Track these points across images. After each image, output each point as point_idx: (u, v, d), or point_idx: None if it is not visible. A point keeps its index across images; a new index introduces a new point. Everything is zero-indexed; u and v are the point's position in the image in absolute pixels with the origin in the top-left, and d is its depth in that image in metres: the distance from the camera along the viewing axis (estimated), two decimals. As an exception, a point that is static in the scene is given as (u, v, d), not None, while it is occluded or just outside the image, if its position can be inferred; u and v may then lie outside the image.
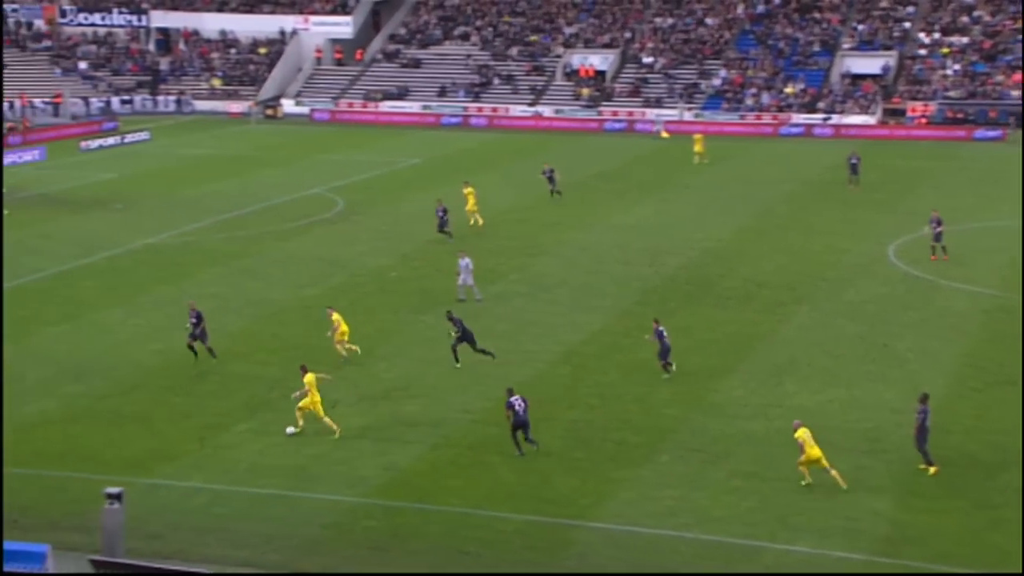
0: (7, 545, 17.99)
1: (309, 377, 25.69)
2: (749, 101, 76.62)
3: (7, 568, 17.16)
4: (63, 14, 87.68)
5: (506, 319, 34.42)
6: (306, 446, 25.27)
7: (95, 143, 66.92)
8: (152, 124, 74.34)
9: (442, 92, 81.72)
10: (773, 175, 58.13)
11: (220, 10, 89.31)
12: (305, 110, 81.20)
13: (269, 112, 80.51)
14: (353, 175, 58.38)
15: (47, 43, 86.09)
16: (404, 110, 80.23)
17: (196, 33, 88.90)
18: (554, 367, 30.52)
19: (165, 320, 33.94)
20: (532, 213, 49.48)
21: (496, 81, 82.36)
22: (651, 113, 76.55)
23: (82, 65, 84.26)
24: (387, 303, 35.95)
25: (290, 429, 25.84)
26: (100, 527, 20.07)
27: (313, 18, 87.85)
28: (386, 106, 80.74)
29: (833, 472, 23.08)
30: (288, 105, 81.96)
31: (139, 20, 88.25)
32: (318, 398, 25.60)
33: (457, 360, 29.88)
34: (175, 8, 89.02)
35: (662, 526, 22.00)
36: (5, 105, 77.06)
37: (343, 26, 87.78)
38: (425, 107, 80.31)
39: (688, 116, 75.82)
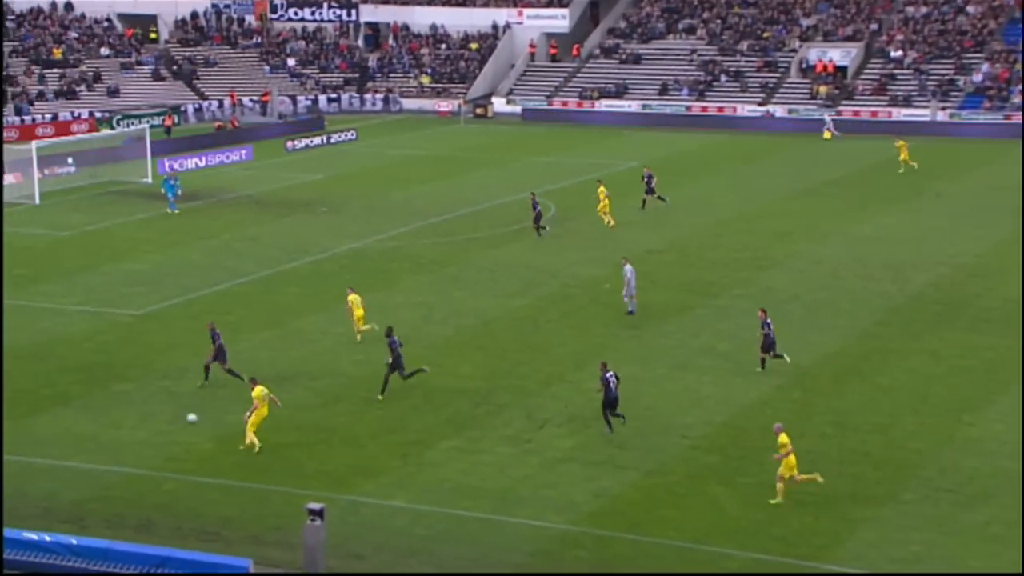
0: (210, 558, 18.95)
1: (258, 391, 26.09)
2: (1016, 99, 73.05)
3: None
4: (274, 9, 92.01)
5: (729, 336, 33.95)
6: (512, 467, 25.60)
7: (301, 143, 69.89)
8: (359, 123, 77.02)
9: (663, 90, 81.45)
10: (1041, 182, 55.26)
11: (431, 3, 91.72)
12: (517, 109, 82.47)
13: (479, 111, 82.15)
14: (566, 178, 58.83)
15: (257, 40, 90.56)
16: (622, 109, 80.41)
17: (406, 28, 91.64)
18: (783, 391, 29.91)
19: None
20: (760, 222, 48.69)
21: (723, 78, 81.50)
22: (899, 113, 74.13)
23: (290, 62, 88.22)
24: (600, 316, 36.04)
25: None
26: (302, 543, 20.85)
27: (528, 11, 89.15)
28: (603, 105, 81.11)
29: (800, 478, 23.53)
30: (499, 104, 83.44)
31: (349, 15, 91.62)
32: (265, 412, 25.98)
33: (383, 391, 29.18)
34: (385, 2, 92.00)
35: (908, 573, 21.21)
36: (214, 103, 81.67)
37: (559, 20, 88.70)
38: (645, 106, 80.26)
39: (942, 116, 73.02)
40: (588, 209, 50.86)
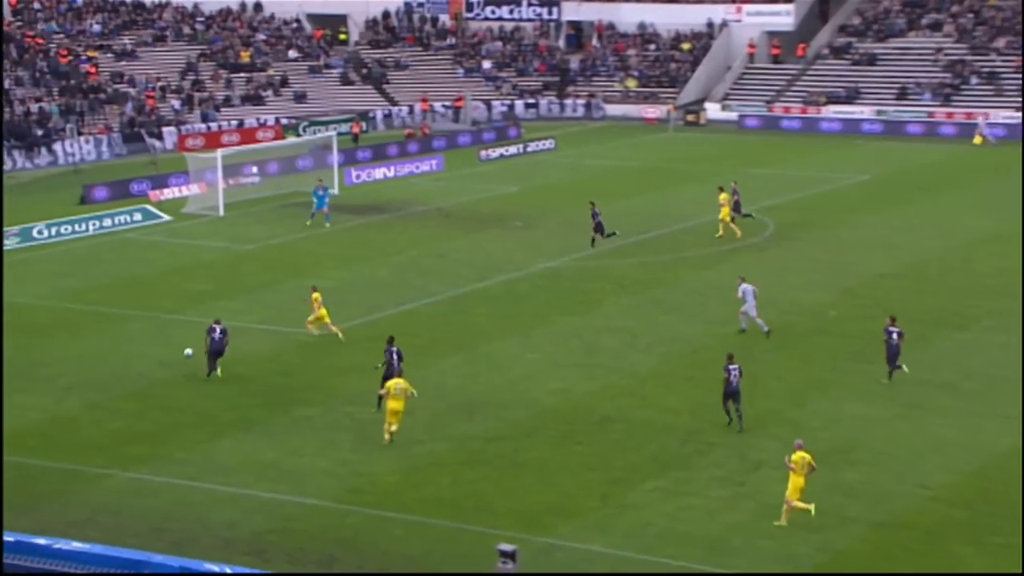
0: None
1: (392, 382, 29.08)
2: None
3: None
4: (469, 8, 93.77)
5: (977, 375, 32.87)
6: (724, 513, 25.34)
7: (496, 152, 71.00)
8: (558, 131, 77.72)
9: (902, 94, 79.48)
10: None
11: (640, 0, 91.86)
12: (732, 116, 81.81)
13: (690, 118, 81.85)
14: (787, 193, 58.00)
15: (451, 40, 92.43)
16: (853, 116, 78.85)
17: (611, 27, 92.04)
18: (1042, 440, 28.72)
19: (566, 356, 35.28)
20: (1017, 244, 46.91)
21: (974, 80, 78.96)
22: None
23: (486, 65, 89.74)
24: (824, 347, 35.39)
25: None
26: (491, 587, 21.07)
27: (747, 7, 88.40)
28: (831, 111, 79.71)
29: (799, 505, 24.29)
30: (712, 110, 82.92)
31: (549, 13, 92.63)
32: (398, 406, 28.66)
33: (379, 406, 30.19)
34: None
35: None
36: (405, 109, 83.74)
37: (783, 16, 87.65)
38: (879, 112, 78.50)
39: None
40: (812, 228, 50.01)
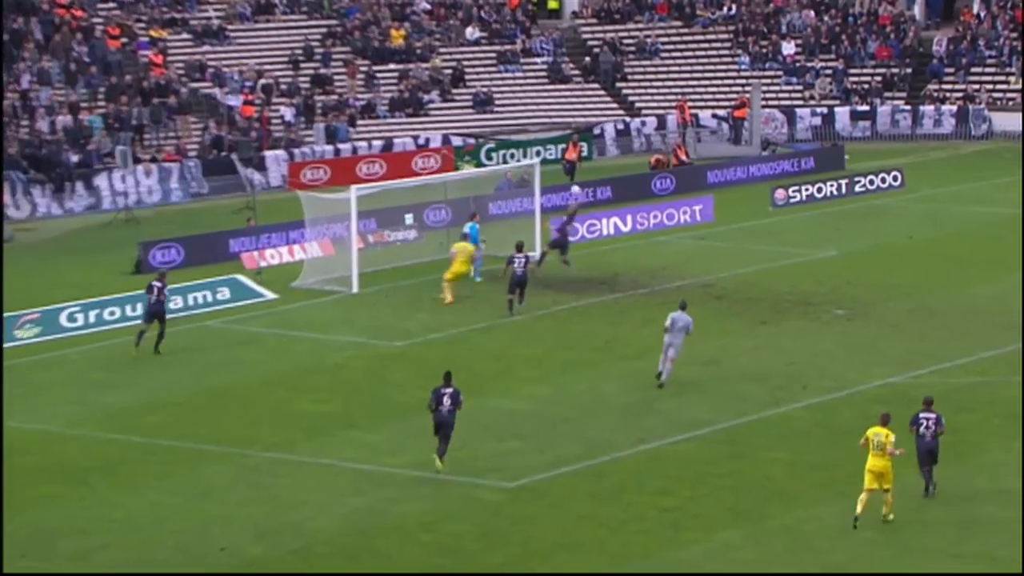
0: None
1: (870, 432, 34.47)
2: None
3: None
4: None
5: None
6: None
7: (801, 192, 70.77)
8: (907, 156, 77.33)
9: None
10: None
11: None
12: None
13: None
14: None
15: (729, 10, 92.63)
16: None
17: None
18: None
19: (922, 538, 34.64)
20: None
21: None
22: None
23: (786, 48, 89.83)
24: None
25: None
26: None
27: None
28: None
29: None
30: None
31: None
32: (878, 465, 33.99)
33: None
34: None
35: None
36: (650, 121, 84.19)
37: None
38: None
39: None
40: None
